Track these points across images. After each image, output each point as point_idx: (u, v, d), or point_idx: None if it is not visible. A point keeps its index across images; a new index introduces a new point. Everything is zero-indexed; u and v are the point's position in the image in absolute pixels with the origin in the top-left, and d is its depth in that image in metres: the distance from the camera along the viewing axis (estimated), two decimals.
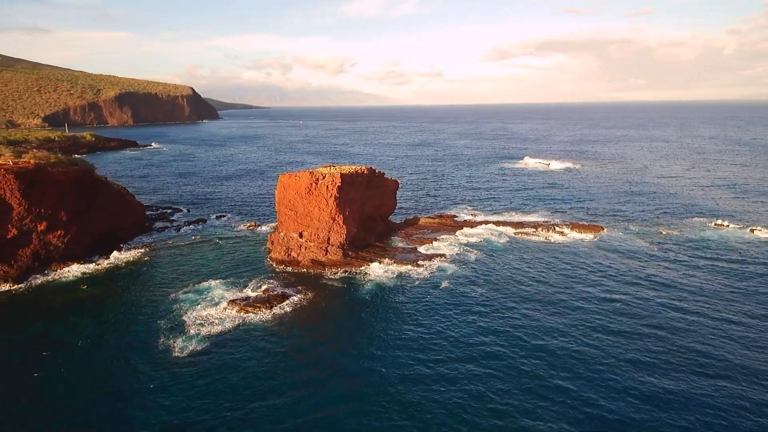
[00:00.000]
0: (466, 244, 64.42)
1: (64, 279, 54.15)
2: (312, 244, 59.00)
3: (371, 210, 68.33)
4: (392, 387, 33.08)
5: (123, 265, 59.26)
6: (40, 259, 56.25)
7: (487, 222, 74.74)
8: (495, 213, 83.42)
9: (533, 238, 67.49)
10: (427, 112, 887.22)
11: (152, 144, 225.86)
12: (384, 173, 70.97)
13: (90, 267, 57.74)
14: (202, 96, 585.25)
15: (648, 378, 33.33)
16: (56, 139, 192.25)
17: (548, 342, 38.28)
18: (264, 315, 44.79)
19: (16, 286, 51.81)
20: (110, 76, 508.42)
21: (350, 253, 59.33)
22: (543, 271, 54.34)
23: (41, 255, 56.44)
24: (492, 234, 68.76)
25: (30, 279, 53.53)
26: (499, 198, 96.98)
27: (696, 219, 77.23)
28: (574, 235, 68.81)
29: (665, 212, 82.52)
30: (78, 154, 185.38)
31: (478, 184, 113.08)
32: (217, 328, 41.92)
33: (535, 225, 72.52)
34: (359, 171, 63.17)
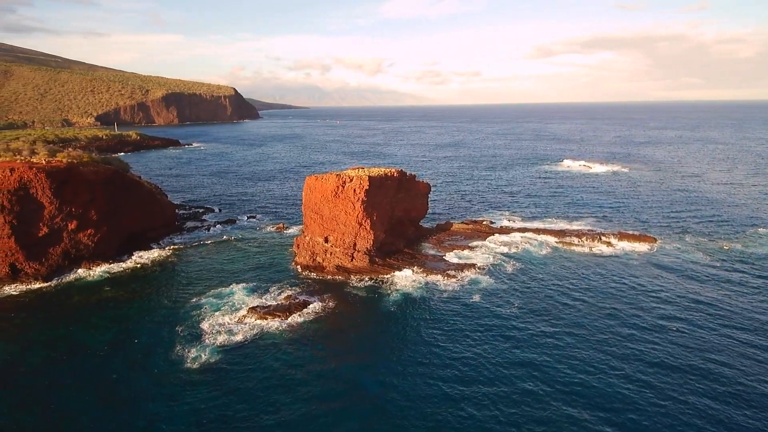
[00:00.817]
0: (502, 254, 59.97)
1: (90, 278, 54.18)
2: (338, 249, 56.47)
3: (401, 214, 65.10)
4: (409, 415, 29.78)
5: (150, 265, 58.91)
6: (70, 258, 56.62)
7: (525, 229, 69.81)
8: (534, 219, 78.18)
9: (577, 248, 62.06)
10: (465, 112, 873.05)
11: (193, 143, 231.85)
12: (415, 175, 67.54)
13: (118, 267, 57.65)
14: (245, 96, 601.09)
15: (716, 428, 28.32)
16: (104, 137, 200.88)
17: (594, 378, 33.25)
18: (283, 324, 42.55)
19: (45, 284, 52.22)
20: (158, 77, 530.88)
21: (377, 260, 56.40)
22: (588, 289, 49.02)
23: (71, 254, 56.80)
24: (531, 243, 63.92)
25: (59, 277, 53.90)
26: (539, 203, 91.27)
27: (762, 230, 69.20)
28: (623, 246, 62.86)
29: (726, 222, 74.64)
30: (123, 152, 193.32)
31: (517, 188, 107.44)
32: (234, 338, 40.00)
33: (579, 234, 66.95)
34: (389, 174, 60.07)
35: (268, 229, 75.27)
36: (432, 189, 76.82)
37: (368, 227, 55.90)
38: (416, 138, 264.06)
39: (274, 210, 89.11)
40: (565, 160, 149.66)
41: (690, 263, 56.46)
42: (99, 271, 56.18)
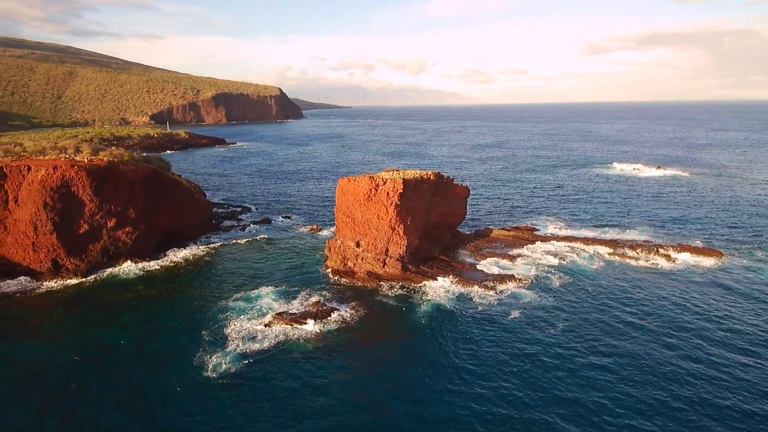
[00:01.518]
0: (546, 265, 55.47)
1: (126, 276, 54.81)
2: (369, 254, 54.23)
3: (437, 219, 62.00)
4: None
5: (184, 264, 59.10)
6: (108, 255, 57.67)
7: (572, 238, 64.71)
8: (582, 227, 72.61)
9: (632, 262, 56.44)
10: (509, 111, 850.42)
11: (237, 142, 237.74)
12: (453, 179, 64.15)
13: (153, 265, 58.15)
14: (290, 96, 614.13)
15: None
16: (155, 135, 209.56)
17: (652, 422, 28.36)
18: (308, 333, 40.81)
19: (83, 280, 53.28)
20: (209, 78, 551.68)
21: (410, 267, 53.69)
22: (645, 312, 43.37)
23: (110, 251, 57.86)
24: (578, 254, 58.93)
25: (97, 274, 54.92)
26: (588, 209, 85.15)
27: None
28: (684, 259, 56.74)
29: None
30: (172, 150, 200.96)
31: (563, 192, 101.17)
32: (257, 346, 38.62)
33: (634, 245, 61.11)
34: (424, 176, 57.15)
35: (302, 230, 74.33)
36: (471, 192, 73.21)
37: (401, 232, 53.30)
38: (457, 138, 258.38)
39: (309, 210, 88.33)
40: (616, 163, 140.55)
41: (762, 284, 49.86)
42: (135, 268, 56.84)
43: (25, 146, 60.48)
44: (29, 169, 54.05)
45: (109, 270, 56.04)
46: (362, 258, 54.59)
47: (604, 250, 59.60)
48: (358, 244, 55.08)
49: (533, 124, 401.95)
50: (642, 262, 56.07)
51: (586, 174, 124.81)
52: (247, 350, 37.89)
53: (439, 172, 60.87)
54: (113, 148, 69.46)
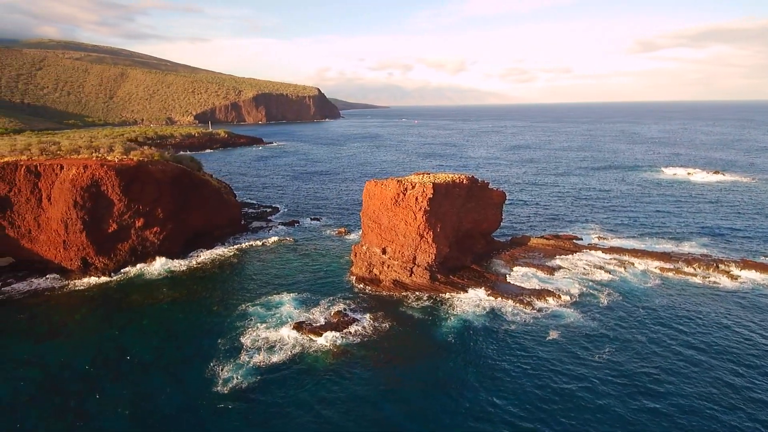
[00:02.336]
0: (590, 280, 50.60)
1: (151, 276, 54.46)
2: (395, 262, 51.35)
3: (469, 226, 58.27)
4: None
5: (210, 266, 58.33)
6: (136, 254, 57.70)
7: (620, 249, 59.21)
8: (630, 237, 66.68)
9: (688, 278, 50.68)
10: (551, 111, 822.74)
11: (274, 142, 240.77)
12: (488, 183, 60.18)
13: (180, 265, 57.70)
14: (329, 96, 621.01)
15: None
16: (196, 135, 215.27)
17: None
18: (327, 347, 38.46)
19: (110, 279, 53.35)
20: (251, 78, 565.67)
21: (439, 277, 50.40)
22: (706, 343, 37.74)
23: (138, 250, 57.89)
24: (628, 268, 53.61)
25: (123, 273, 54.93)
26: (637, 217, 78.59)
27: None
28: (749, 278, 50.47)
29: None
30: (212, 149, 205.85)
31: (609, 198, 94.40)
32: (272, 358, 36.64)
33: (690, 259, 55.12)
34: (457, 180, 53.62)
35: (329, 232, 72.40)
36: (508, 197, 68.95)
37: (430, 240, 50.10)
38: (494, 138, 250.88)
39: (337, 212, 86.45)
40: (668, 167, 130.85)
41: None
42: (161, 268, 56.53)
43: (61, 145, 61.55)
44: (62, 167, 54.70)
45: (136, 269, 55.99)
46: (388, 266, 51.79)
47: (655, 265, 53.95)
48: (384, 251, 52.33)
49: (576, 124, 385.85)
50: (699, 280, 50.17)
51: (634, 178, 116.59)
52: (261, 364, 35.91)
53: (472, 176, 57.12)
54: (145, 147, 69.88)
